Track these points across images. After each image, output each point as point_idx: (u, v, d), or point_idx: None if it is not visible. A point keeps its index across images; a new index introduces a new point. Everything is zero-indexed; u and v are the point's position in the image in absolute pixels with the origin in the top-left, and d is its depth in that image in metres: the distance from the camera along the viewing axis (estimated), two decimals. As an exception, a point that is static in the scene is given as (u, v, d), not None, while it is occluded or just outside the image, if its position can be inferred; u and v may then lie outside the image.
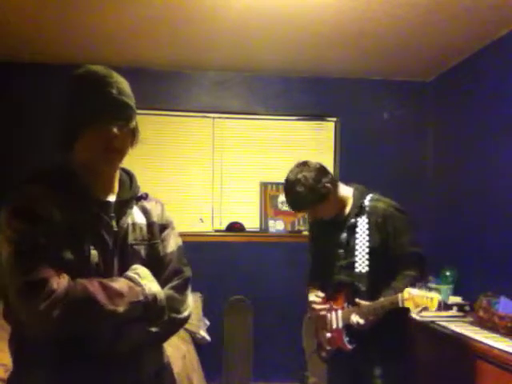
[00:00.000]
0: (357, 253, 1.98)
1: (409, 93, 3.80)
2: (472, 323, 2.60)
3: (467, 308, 2.83)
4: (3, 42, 3.15)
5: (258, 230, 3.72)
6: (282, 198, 3.74)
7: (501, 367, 2.09)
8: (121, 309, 1.07)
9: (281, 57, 3.38)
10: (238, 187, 3.76)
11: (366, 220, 1.98)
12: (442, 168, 3.63)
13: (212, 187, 3.72)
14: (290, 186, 2.02)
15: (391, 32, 2.90)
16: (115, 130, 1.14)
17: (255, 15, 2.69)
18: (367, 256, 1.95)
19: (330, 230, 2.09)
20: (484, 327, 2.47)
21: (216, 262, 3.55)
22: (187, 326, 3.06)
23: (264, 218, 3.71)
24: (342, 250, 2.04)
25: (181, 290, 1.24)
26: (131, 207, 1.25)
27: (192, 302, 1.30)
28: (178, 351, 2.63)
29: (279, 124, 3.80)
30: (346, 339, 1.99)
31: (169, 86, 3.62)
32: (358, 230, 1.99)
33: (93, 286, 1.06)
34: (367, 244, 1.96)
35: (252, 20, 2.76)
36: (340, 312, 2.03)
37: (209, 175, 3.72)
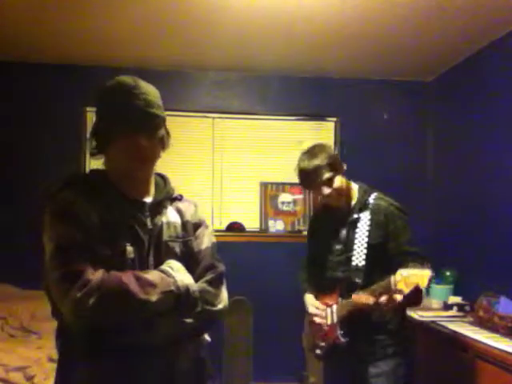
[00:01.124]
0: (355, 247, 1.98)
1: (409, 93, 3.79)
2: (472, 323, 2.60)
3: (467, 308, 2.83)
4: (3, 42, 3.15)
5: (258, 230, 3.72)
6: (282, 197, 3.74)
7: (501, 367, 2.09)
8: (153, 298, 1.11)
9: (281, 57, 3.38)
10: (238, 187, 3.76)
11: (369, 217, 2.00)
12: (441, 168, 3.63)
13: (212, 187, 3.72)
14: (308, 156, 1.99)
15: (391, 32, 2.90)
16: (143, 140, 1.21)
17: (255, 15, 2.69)
18: (365, 251, 1.95)
19: (331, 226, 2.10)
20: (484, 327, 2.48)
21: (216, 261, 3.55)
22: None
23: (264, 218, 3.71)
24: (339, 246, 2.04)
25: (214, 283, 1.29)
26: (166, 207, 1.33)
27: (227, 297, 1.34)
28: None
29: (279, 124, 3.80)
30: (339, 332, 1.98)
31: (169, 86, 3.62)
32: (359, 225, 2.00)
33: (126, 276, 1.12)
34: (366, 240, 1.97)
35: (252, 20, 2.76)
36: (334, 307, 2.03)
37: (209, 175, 3.72)
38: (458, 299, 2.95)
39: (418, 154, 3.78)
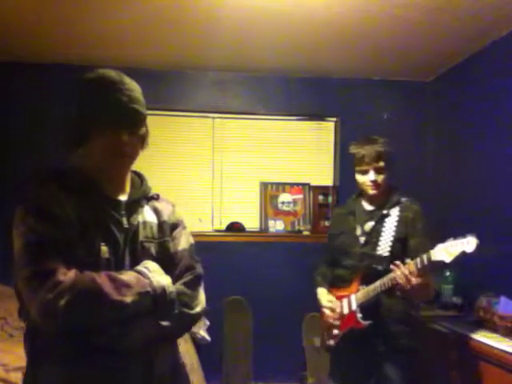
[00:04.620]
0: (381, 239, 2.10)
1: (409, 93, 3.80)
2: (472, 323, 2.60)
3: (467, 308, 2.83)
4: (3, 42, 3.15)
5: (258, 230, 3.72)
6: (282, 197, 3.74)
7: (501, 367, 2.09)
8: (128, 299, 1.08)
9: (281, 57, 3.38)
10: (238, 187, 3.76)
11: (398, 213, 2.13)
12: (441, 168, 3.63)
13: (212, 187, 3.72)
14: (370, 140, 2.19)
15: (391, 32, 2.90)
16: (125, 137, 1.18)
17: (255, 15, 2.69)
18: (390, 243, 2.07)
19: (357, 219, 2.21)
20: (484, 327, 2.47)
21: (216, 261, 3.55)
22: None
23: (264, 218, 3.71)
24: (363, 238, 2.15)
25: (192, 285, 1.26)
26: (142, 206, 1.29)
27: (204, 300, 1.30)
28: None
29: (279, 124, 3.80)
30: (359, 316, 2.06)
31: (169, 86, 3.62)
32: (387, 220, 2.13)
33: (100, 277, 1.08)
34: (393, 234, 2.09)
35: (252, 20, 2.76)
36: (353, 296, 2.11)
37: (209, 175, 3.72)
38: (458, 299, 2.95)
39: (417, 154, 3.78)
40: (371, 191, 2.15)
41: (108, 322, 1.08)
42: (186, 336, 3.01)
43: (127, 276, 1.13)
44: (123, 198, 1.26)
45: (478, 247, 1.78)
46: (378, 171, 2.12)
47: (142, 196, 1.31)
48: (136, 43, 3.16)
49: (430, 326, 2.67)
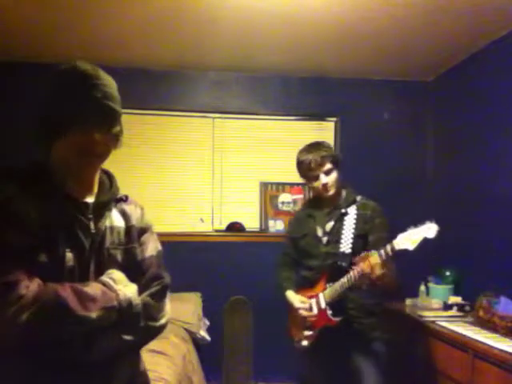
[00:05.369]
0: (343, 237, 2.20)
1: (409, 93, 3.79)
2: (472, 323, 2.60)
3: (467, 308, 2.83)
4: (3, 42, 3.15)
5: (258, 230, 3.72)
6: (282, 197, 3.74)
7: (501, 367, 2.09)
8: (93, 314, 1.04)
9: (281, 57, 3.37)
10: (238, 187, 3.76)
11: (355, 212, 2.23)
12: (441, 168, 3.63)
13: (212, 187, 3.72)
14: (313, 147, 2.25)
15: (391, 32, 2.90)
16: (97, 135, 1.11)
17: (255, 15, 2.69)
18: (351, 240, 2.17)
19: (316, 222, 2.30)
20: (484, 327, 2.47)
21: (216, 261, 3.55)
22: (187, 326, 3.06)
23: (264, 218, 3.71)
24: (326, 238, 2.24)
25: (159, 296, 1.21)
26: (110, 209, 1.22)
27: (170, 310, 1.26)
28: (178, 351, 2.63)
29: (279, 124, 3.80)
30: (329, 312, 2.15)
31: (169, 85, 3.62)
32: (346, 218, 2.23)
33: (64, 290, 1.02)
34: (353, 231, 2.19)
35: (252, 20, 2.76)
36: (321, 294, 2.20)
37: (209, 175, 3.72)
38: (458, 299, 2.95)
39: (417, 154, 3.78)
40: (325, 193, 2.24)
41: (71, 337, 1.04)
42: (186, 336, 3.01)
43: (92, 289, 1.07)
44: (90, 199, 1.18)
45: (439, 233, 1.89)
46: (326, 174, 2.21)
47: (111, 198, 1.23)
48: (136, 43, 3.16)
49: (429, 325, 2.67)
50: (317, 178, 2.22)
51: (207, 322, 3.37)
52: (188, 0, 2.53)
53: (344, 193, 2.31)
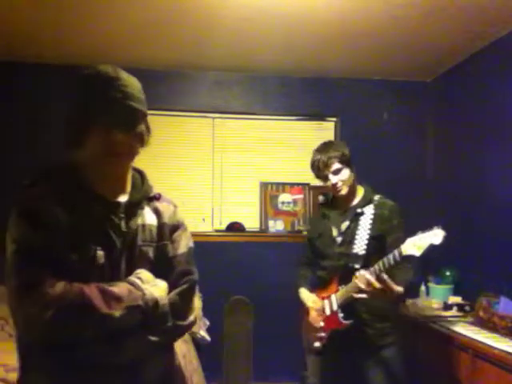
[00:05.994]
0: (357, 237, 2.12)
1: (409, 93, 3.79)
2: (472, 323, 2.60)
3: (467, 308, 2.83)
4: (3, 42, 3.15)
5: (258, 230, 3.72)
6: (282, 197, 3.74)
7: (501, 367, 2.09)
8: (117, 313, 1.04)
9: (281, 57, 3.37)
10: (238, 187, 3.76)
11: (372, 211, 2.15)
12: (441, 168, 3.63)
13: (212, 187, 3.72)
14: (323, 148, 2.21)
15: (391, 32, 2.90)
16: (119, 134, 1.13)
17: (255, 15, 2.69)
18: (366, 242, 2.09)
19: (332, 221, 2.25)
20: (484, 327, 2.47)
21: (216, 261, 3.55)
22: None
23: (264, 218, 3.71)
24: (340, 238, 2.18)
25: (187, 294, 1.22)
26: (142, 208, 1.24)
27: (196, 304, 1.27)
28: (178, 351, 2.63)
29: (279, 124, 3.80)
30: (340, 315, 2.08)
31: (169, 85, 3.62)
32: (362, 218, 2.15)
33: (90, 289, 1.04)
34: (368, 232, 2.11)
35: (252, 20, 2.76)
36: (333, 296, 2.14)
37: (209, 175, 3.72)
38: (458, 299, 2.95)
39: (417, 154, 3.78)
40: (337, 193, 2.20)
41: (95, 336, 1.05)
42: (186, 336, 3.01)
43: (119, 288, 1.08)
44: (123, 199, 1.20)
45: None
46: (335, 173, 2.17)
47: (143, 197, 1.25)
48: (136, 43, 3.16)
49: (429, 325, 2.67)
50: (326, 178, 2.18)
51: (207, 322, 3.37)
52: (188, 0, 2.53)
53: (361, 192, 2.25)
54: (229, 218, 3.70)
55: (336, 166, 2.16)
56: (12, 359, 2.27)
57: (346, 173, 2.18)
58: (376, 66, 3.53)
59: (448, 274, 3.16)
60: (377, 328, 2.10)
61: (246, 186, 3.76)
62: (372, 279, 1.88)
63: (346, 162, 2.19)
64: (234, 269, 3.56)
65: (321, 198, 3.71)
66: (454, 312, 2.84)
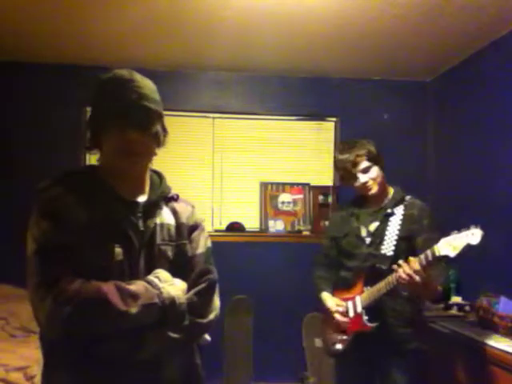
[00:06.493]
0: (386, 238, 2.06)
1: (409, 93, 3.80)
2: (472, 323, 2.60)
3: (467, 308, 2.83)
4: (3, 42, 3.15)
5: (258, 230, 3.72)
6: (282, 197, 3.74)
7: (501, 367, 2.09)
8: (133, 310, 1.07)
9: (281, 57, 3.38)
10: (238, 187, 3.76)
11: (402, 212, 2.09)
12: (442, 168, 3.63)
13: (212, 187, 3.72)
14: (348, 146, 2.13)
15: (391, 32, 2.90)
16: (134, 135, 1.16)
17: (255, 15, 2.69)
18: (394, 242, 2.03)
19: (361, 220, 2.16)
20: (484, 327, 2.47)
21: (216, 261, 3.54)
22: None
23: (264, 218, 3.71)
24: (369, 238, 2.10)
25: (206, 293, 1.24)
26: (160, 208, 1.27)
27: (219, 306, 1.29)
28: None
29: (279, 124, 3.80)
30: (365, 318, 2.01)
31: (169, 85, 3.62)
32: (391, 219, 2.09)
33: (107, 286, 1.07)
34: (397, 232, 2.04)
35: (252, 20, 2.76)
36: (358, 297, 2.06)
37: (209, 175, 3.72)
38: (458, 299, 2.95)
39: (417, 154, 3.78)
40: (368, 192, 2.12)
41: (114, 332, 1.07)
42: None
43: (136, 286, 1.11)
44: (142, 199, 1.24)
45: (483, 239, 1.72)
46: (364, 172, 2.09)
47: (161, 197, 1.28)
48: (136, 43, 3.16)
49: (430, 325, 2.67)
50: (355, 177, 2.09)
51: (207, 322, 3.37)
52: (188, 0, 2.53)
53: (392, 191, 2.18)
54: (229, 217, 3.70)
55: (365, 164, 2.08)
56: (12, 359, 2.28)
57: (375, 170, 2.10)
58: (376, 65, 3.53)
59: (448, 273, 3.16)
60: (401, 333, 2.02)
61: (245, 185, 3.76)
62: (419, 267, 1.78)
63: (374, 159, 2.11)
64: (233, 269, 3.55)
65: (321, 197, 3.73)
66: (454, 312, 2.84)
